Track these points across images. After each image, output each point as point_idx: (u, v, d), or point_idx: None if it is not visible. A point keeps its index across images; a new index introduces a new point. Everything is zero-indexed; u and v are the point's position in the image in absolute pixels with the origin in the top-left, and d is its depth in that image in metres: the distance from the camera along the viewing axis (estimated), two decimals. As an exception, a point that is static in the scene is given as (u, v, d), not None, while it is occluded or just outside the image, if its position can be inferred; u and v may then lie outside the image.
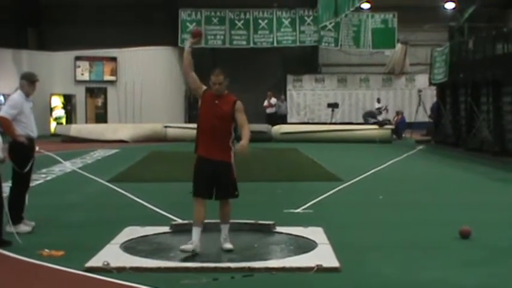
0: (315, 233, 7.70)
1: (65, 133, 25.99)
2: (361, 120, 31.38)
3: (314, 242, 7.29)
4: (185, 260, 6.62)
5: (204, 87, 7.10)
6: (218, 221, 7.18)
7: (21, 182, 8.17)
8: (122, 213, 9.67)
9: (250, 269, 6.22)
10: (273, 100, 29.39)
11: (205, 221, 7.74)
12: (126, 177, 14.19)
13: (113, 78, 30.10)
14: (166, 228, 7.97)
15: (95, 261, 6.40)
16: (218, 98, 7.00)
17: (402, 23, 30.76)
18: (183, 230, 7.30)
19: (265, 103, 29.17)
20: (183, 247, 6.71)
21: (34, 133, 8.30)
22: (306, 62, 33.53)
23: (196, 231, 6.82)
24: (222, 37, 30.78)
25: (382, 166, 16.17)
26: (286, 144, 23.67)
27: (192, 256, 6.68)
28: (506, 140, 18.80)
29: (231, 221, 7.16)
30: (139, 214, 9.50)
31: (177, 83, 30.33)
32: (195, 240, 6.77)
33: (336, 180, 13.54)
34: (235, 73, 32.07)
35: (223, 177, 6.92)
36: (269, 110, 29.21)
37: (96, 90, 30.61)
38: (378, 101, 30.35)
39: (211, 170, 6.87)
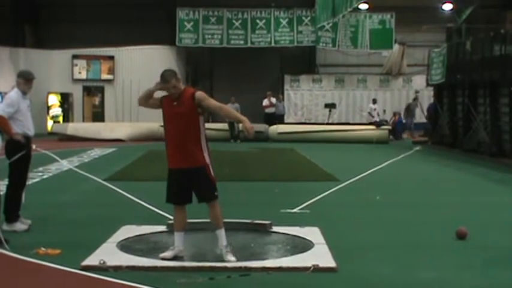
0: (312, 233, 7.70)
1: (61, 132, 25.97)
2: (358, 120, 31.38)
3: (310, 242, 7.29)
4: (181, 259, 6.62)
5: (160, 97, 6.76)
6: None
7: (17, 180, 8.16)
8: (118, 212, 9.67)
9: (246, 269, 6.22)
10: (273, 100, 29.33)
11: (202, 220, 7.77)
12: (122, 176, 14.19)
13: (110, 77, 30.08)
14: (162, 227, 7.96)
15: (91, 260, 6.39)
16: (176, 99, 6.58)
17: (400, 24, 30.77)
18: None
19: (266, 102, 29.06)
20: (162, 255, 6.61)
21: (31, 131, 8.28)
22: (303, 62, 33.56)
23: (177, 236, 6.73)
24: (219, 36, 30.77)
25: (379, 166, 16.17)
26: (283, 144, 23.67)
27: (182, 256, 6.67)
28: (503, 141, 18.83)
29: (227, 220, 7.03)
30: (135, 213, 9.49)
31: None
32: (177, 245, 6.70)
33: (332, 180, 13.54)
34: (233, 73, 32.34)
35: (200, 181, 6.61)
36: (269, 110, 29.15)
37: (93, 89, 30.60)
38: (374, 102, 30.30)
39: (185, 179, 6.58)
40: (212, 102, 6.65)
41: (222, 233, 6.67)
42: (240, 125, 24.90)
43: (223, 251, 6.61)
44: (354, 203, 10.90)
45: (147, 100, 6.85)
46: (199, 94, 6.59)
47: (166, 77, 6.58)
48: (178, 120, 6.54)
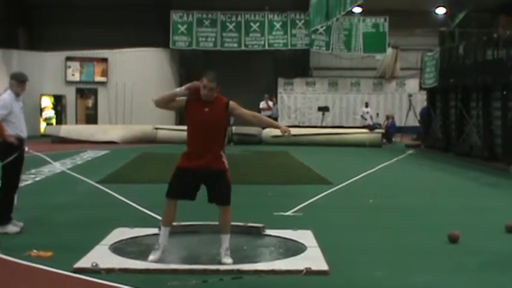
0: (304, 236, 7.71)
1: (54, 134, 25.90)
2: (351, 123, 31.43)
3: (303, 245, 7.29)
4: (174, 261, 6.61)
5: (185, 98, 6.58)
6: (207, 222, 7.16)
7: (10, 182, 8.14)
8: (111, 214, 9.65)
9: (239, 272, 6.22)
10: (270, 103, 29.37)
11: (197, 223, 7.79)
12: (115, 178, 14.16)
13: (103, 79, 30.05)
14: (155, 230, 7.93)
15: (84, 262, 6.38)
16: (207, 105, 6.51)
17: (393, 28, 30.86)
18: (172, 232, 7.27)
19: (263, 105, 29.10)
20: (150, 258, 6.58)
21: (24, 133, 8.26)
22: (297, 65, 33.61)
23: (163, 231, 6.72)
24: (213, 39, 30.79)
25: (372, 170, 16.21)
26: (276, 147, 23.66)
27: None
28: (495, 145, 18.89)
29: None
30: (128, 215, 9.48)
31: (168, 84, 30.24)
32: (161, 241, 6.68)
33: (325, 183, 13.55)
34: (227, 75, 32.19)
35: (220, 184, 6.63)
36: (265, 113, 29.14)
37: (86, 91, 30.55)
38: (366, 105, 30.36)
39: (199, 177, 6.56)
40: (244, 111, 6.76)
41: (227, 238, 6.70)
42: (234, 128, 24.66)
43: (222, 253, 6.63)
44: (347, 206, 10.91)
45: (169, 102, 6.69)
46: (233, 104, 6.64)
47: (213, 75, 6.52)
48: (207, 126, 6.51)
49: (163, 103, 6.72)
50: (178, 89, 6.69)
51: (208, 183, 6.65)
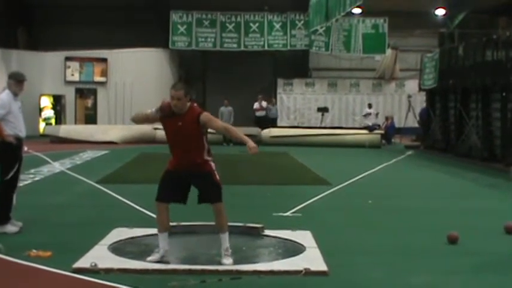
0: (303, 237, 7.71)
1: (54, 134, 25.90)
2: (351, 124, 31.42)
3: (302, 245, 7.29)
4: (173, 262, 6.61)
5: (158, 115, 6.60)
6: (206, 223, 7.15)
7: (8, 182, 8.13)
8: (110, 214, 9.66)
9: (238, 272, 6.22)
10: (264, 103, 29.41)
11: (196, 223, 7.79)
12: (115, 178, 14.17)
13: (103, 79, 30.03)
14: (154, 230, 7.91)
15: (83, 262, 6.38)
16: (180, 118, 6.55)
17: (393, 29, 30.83)
18: (171, 232, 7.29)
19: (256, 106, 29.15)
20: (149, 258, 6.62)
21: (22, 133, 8.26)
22: (296, 65, 33.57)
23: (162, 237, 6.74)
24: (212, 40, 30.75)
25: (372, 171, 16.20)
26: (275, 148, 23.66)
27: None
28: (495, 146, 18.90)
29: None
30: (127, 215, 9.48)
31: (167, 85, 29.85)
32: (162, 246, 6.70)
33: (325, 184, 13.55)
34: (226, 76, 32.35)
35: (206, 183, 6.67)
36: (259, 113, 29.22)
37: (86, 91, 30.53)
38: (369, 106, 30.33)
39: (187, 178, 6.64)
40: (217, 124, 6.78)
41: (225, 236, 6.71)
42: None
43: (222, 253, 6.65)
44: (346, 207, 10.92)
45: (144, 121, 7.09)
46: (204, 116, 6.60)
47: (179, 85, 6.60)
48: (184, 139, 6.59)
49: (139, 122, 7.11)
50: (149, 111, 6.71)
51: (197, 182, 6.69)
